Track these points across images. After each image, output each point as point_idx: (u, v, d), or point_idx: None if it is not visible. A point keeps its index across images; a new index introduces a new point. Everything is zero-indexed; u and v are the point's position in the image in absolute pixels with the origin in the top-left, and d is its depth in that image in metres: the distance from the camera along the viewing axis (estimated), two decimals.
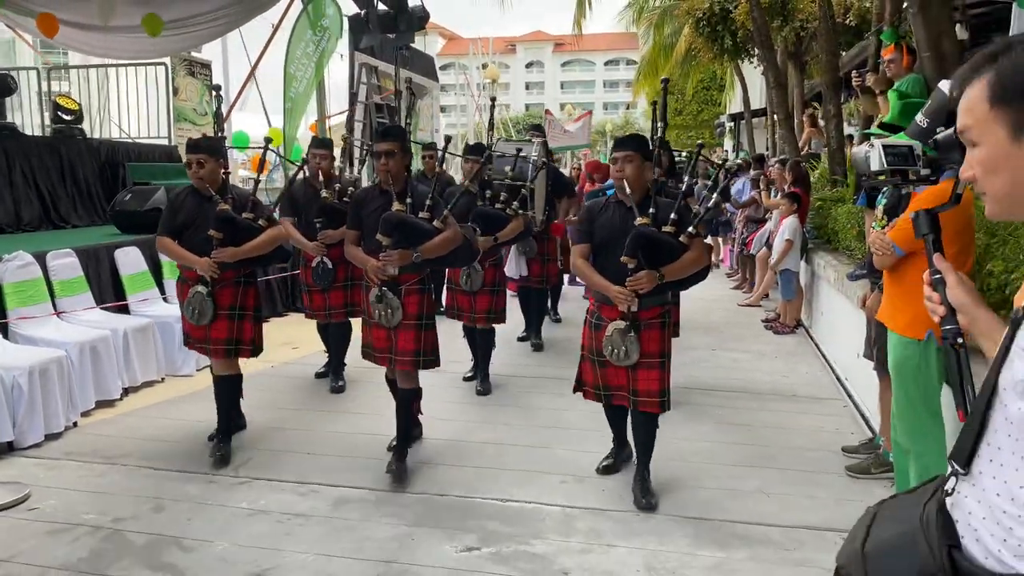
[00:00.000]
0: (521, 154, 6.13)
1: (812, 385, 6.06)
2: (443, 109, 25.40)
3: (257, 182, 4.96)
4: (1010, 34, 6.46)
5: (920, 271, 3.15)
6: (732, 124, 24.49)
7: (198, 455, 4.49)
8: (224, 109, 11.64)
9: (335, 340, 5.87)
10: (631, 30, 27.72)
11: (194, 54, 11.31)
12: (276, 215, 5.04)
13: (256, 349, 4.59)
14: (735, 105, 26.74)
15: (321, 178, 5.58)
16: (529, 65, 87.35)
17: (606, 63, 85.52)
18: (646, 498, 3.82)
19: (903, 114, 4.16)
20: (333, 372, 5.89)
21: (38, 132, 9.91)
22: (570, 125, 13.87)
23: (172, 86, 10.54)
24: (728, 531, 3.56)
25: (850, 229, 6.57)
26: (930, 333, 3.31)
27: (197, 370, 6.14)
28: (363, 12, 10.12)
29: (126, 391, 5.63)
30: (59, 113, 8.69)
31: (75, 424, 5.01)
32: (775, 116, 14.28)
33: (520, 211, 5.74)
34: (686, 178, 4.40)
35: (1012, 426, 1.25)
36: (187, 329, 4.57)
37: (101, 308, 5.78)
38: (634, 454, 4.08)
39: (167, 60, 10.50)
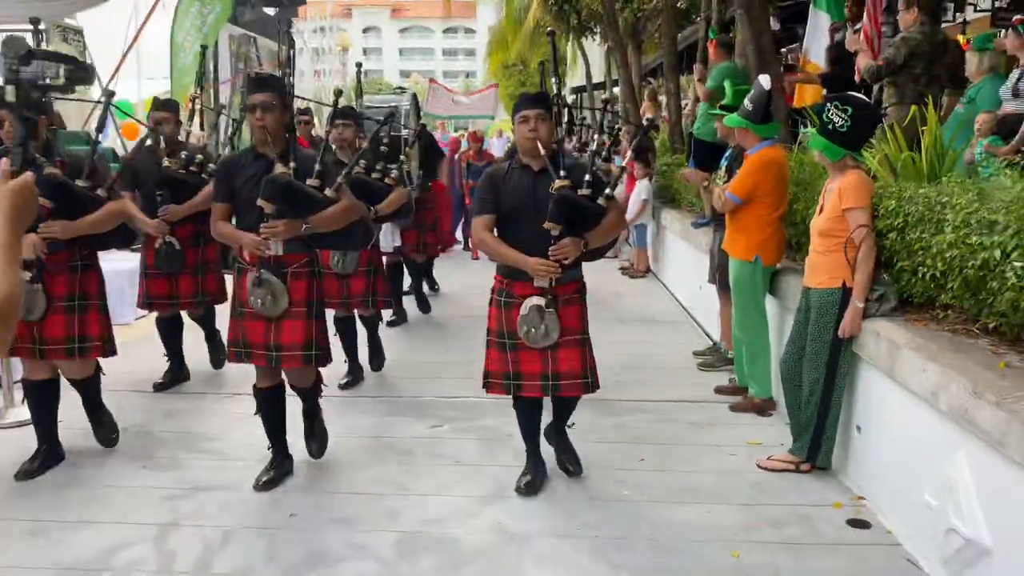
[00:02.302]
0: (395, 106, 6.52)
1: (665, 313, 7.52)
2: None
3: (96, 143, 4.19)
4: (806, 29, 8.14)
5: (750, 215, 4.54)
6: (575, 96, 26.07)
7: (186, 384, 5.20)
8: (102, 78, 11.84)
9: (203, 322, 5.35)
10: None
11: (67, 20, 11.38)
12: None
13: (108, 346, 3.92)
14: (576, 79, 28.40)
15: (163, 145, 4.82)
16: (366, 30, 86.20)
17: (444, 31, 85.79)
18: (575, 467, 3.80)
19: (734, 97, 5.48)
20: (210, 339, 5.41)
21: None
22: (465, 96, 14.78)
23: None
24: (621, 407, 4.82)
25: (690, 188, 8.06)
26: (757, 256, 4.69)
27: (135, 319, 6.75)
28: None
29: None
30: None
31: None
32: (622, 92, 15.72)
33: (400, 181, 5.37)
34: (596, 136, 4.16)
35: None
36: (17, 331, 4.03)
37: None
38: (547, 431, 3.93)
39: (39, 25, 10.58)
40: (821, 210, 3.84)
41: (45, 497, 3.48)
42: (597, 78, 24.65)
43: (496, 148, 20.31)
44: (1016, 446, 2.44)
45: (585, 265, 3.67)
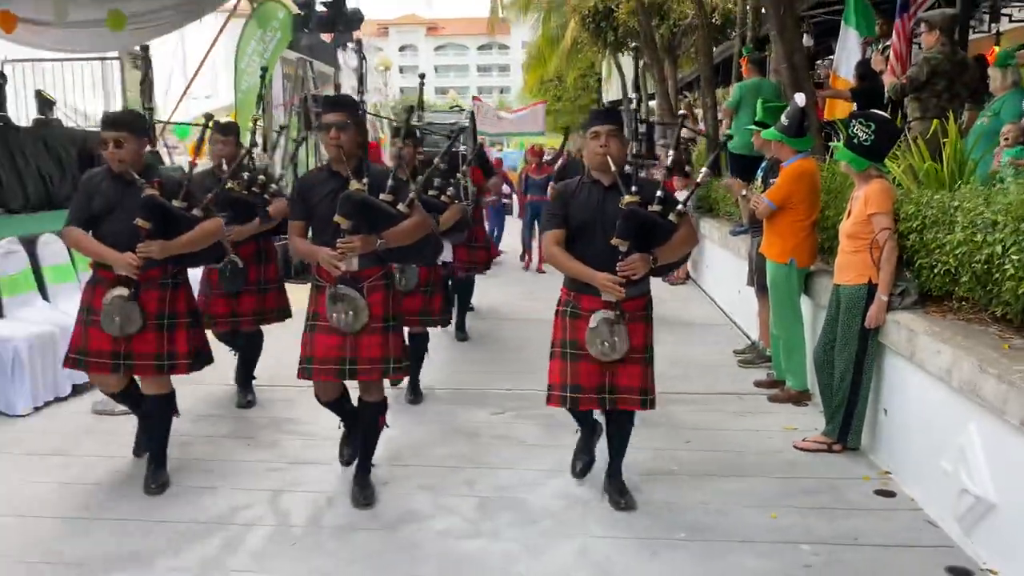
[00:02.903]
0: (455, 124, 6.46)
1: (705, 317, 7.95)
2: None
3: (193, 166, 4.35)
4: (836, 46, 8.54)
5: (785, 221, 4.99)
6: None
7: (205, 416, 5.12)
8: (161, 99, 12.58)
9: (248, 350, 5.24)
10: (500, 15, 28.28)
11: (136, 48, 12.14)
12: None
13: (196, 361, 3.94)
14: (612, 93, 28.88)
15: (225, 166, 4.88)
16: (403, 48, 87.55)
17: (479, 48, 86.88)
18: (624, 498, 3.68)
19: (765, 114, 5.91)
20: (241, 386, 5.21)
21: None
22: (510, 113, 15.28)
23: (123, 78, 11.41)
24: (666, 398, 5.25)
25: (728, 198, 8.49)
26: (792, 259, 5.12)
27: None
28: (303, 13, 11.32)
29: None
30: (42, 105, 9.50)
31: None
32: (659, 105, 16.15)
33: (456, 198, 5.42)
34: (671, 152, 4.12)
35: None
36: (91, 344, 3.75)
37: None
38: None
39: (118, 54, 11.35)
40: (849, 215, 4.28)
41: (172, 464, 4.00)
42: (633, 93, 25.02)
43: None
44: (1014, 413, 2.87)
45: None
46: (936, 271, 3.77)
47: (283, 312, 5.26)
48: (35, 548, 3.31)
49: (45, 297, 5.76)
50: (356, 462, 3.84)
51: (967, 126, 5.53)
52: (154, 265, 3.71)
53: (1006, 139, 5.21)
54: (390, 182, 3.58)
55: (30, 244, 5.80)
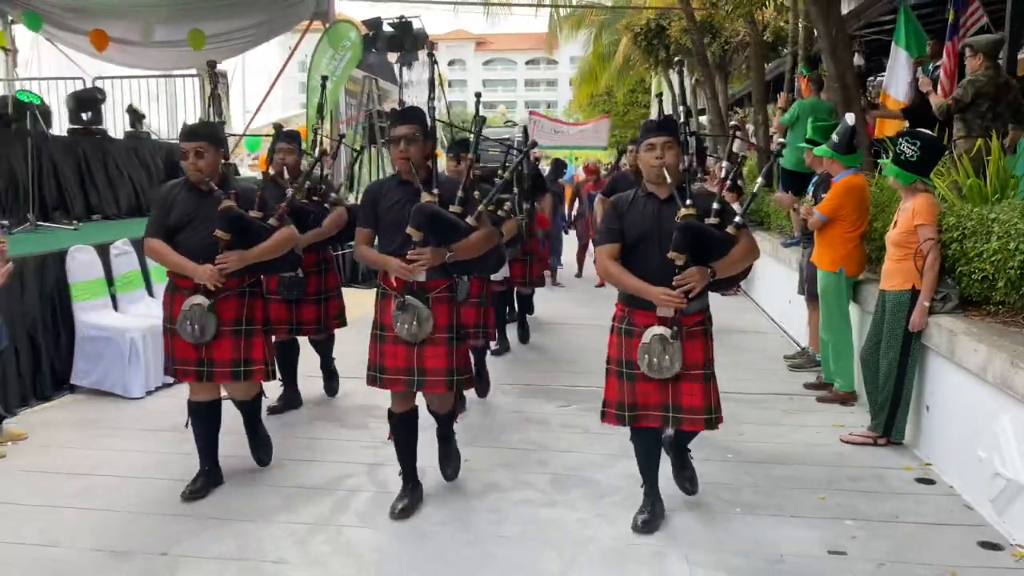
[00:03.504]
0: (507, 141, 6.06)
1: (756, 325, 8.30)
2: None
3: (266, 177, 4.53)
4: (887, 65, 8.83)
5: (835, 232, 5.35)
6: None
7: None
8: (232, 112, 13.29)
9: (319, 348, 5.45)
10: (560, 35, 28.69)
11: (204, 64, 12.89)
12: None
13: (271, 370, 4.01)
14: (664, 109, 29.13)
15: (287, 175, 4.99)
16: (451, 63, 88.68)
17: (527, 62, 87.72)
18: (691, 481, 3.90)
19: (815, 132, 6.26)
20: (327, 373, 5.55)
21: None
22: (569, 127, 15.61)
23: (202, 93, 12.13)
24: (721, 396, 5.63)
25: (780, 212, 8.82)
26: (841, 268, 5.47)
27: None
28: (372, 32, 11.92)
29: None
30: (133, 119, 10.23)
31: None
32: (710, 121, 16.47)
33: (512, 213, 5.42)
34: (725, 163, 3.99)
35: None
36: (177, 352, 3.87)
37: None
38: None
39: (196, 71, 12.08)
40: (895, 225, 4.63)
41: (276, 441, 4.49)
42: (680, 106, 25.33)
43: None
44: None
45: None
46: (974, 278, 4.12)
47: (341, 319, 5.35)
48: (162, 504, 3.82)
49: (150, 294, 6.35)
50: (439, 449, 4.05)
51: (1011, 144, 5.82)
52: (232, 274, 3.76)
53: None
54: (459, 194, 3.61)
55: (102, 251, 6.08)
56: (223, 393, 4.06)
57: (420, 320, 3.54)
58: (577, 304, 9.41)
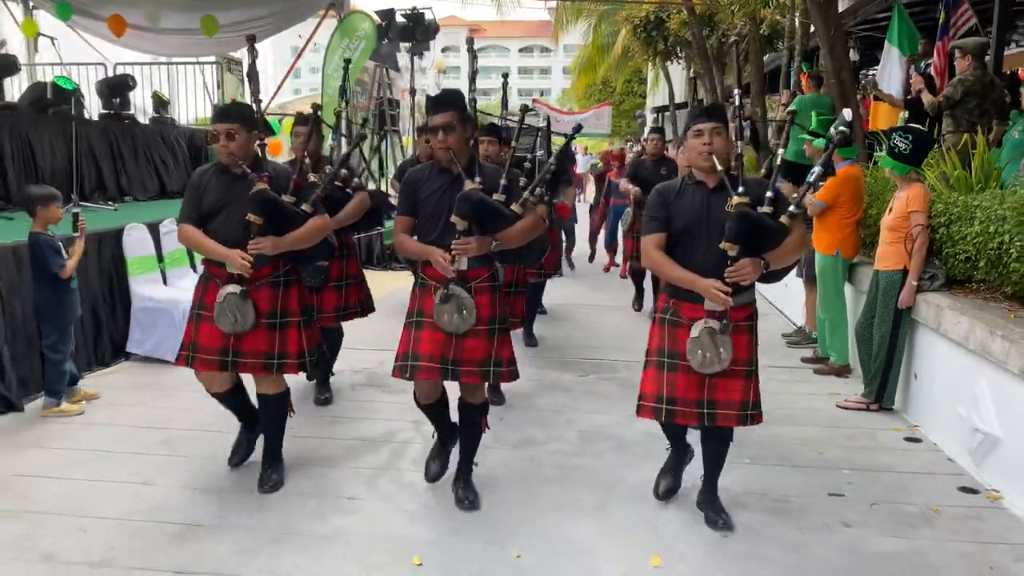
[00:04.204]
0: (540, 124, 6.19)
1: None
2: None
3: (299, 162, 4.34)
4: (880, 61, 9.30)
5: (833, 218, 5.85)
6: (656, 115, 27.36)
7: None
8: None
9: (328, 347, 5.17)
10: (565, 26, 29.11)
11: (229, 53, 13.25)
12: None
13: (305, 362, 3.81)
14: (659, 98, 29.68)
15: (308, 161, 4.70)
16: (445, 50, 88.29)
17: (520, 50, 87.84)
18: (721, 517, 3.54)
19: (819, 125, 6.74)
20: (320, 383, 5.28)
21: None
22: (571, 115, 16.00)
23: (218, 80, 12.52)
24: None
25: None
26: (838, 251, 5.96)
27: None
28: (385, 23, 12.32)
29: None
30: (157, 105, 10.62)
31: None
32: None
33: (541, 199, 5.08)
34: (781, 151, 3.78)
35: None
36: (202, 339, 3.72)
37: None
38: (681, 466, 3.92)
39: (216, 58, 12.47)
40: (890, 211, 5.12)
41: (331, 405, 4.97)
42: (679, 99, 25.95)
43: (580, 166, 21.54)
44: (1015, 364, 3.71)
45: None
46: (959, 258, 4.62)
47: (365, 306, 5.23)
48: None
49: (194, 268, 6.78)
50: (458, 464, 3.79)
51: (995, 139, 6.32)
52: (265, 263, 3.63)
53: None
54: (503, 182, 3.52)
55: (153, 229, 6.59)
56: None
57: (465, 310, 3.44)
58: (588, 288, 9.86)
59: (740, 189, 3.22)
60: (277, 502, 3.74)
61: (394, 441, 4.47)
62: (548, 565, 3.24)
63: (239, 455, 4.13)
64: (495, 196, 3.47)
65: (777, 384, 5.79)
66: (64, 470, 4.04)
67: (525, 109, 4.68)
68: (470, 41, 5.73)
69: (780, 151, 3.54)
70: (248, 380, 4.05)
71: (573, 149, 13.15)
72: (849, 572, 3.21)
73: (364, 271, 5.39)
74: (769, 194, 3.26)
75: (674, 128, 25.29)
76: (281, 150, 12.64)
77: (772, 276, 3.37)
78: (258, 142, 3.77)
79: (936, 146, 5.96)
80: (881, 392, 5.11)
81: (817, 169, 3.54)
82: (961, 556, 3.33)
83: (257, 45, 4.91)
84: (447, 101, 3.52)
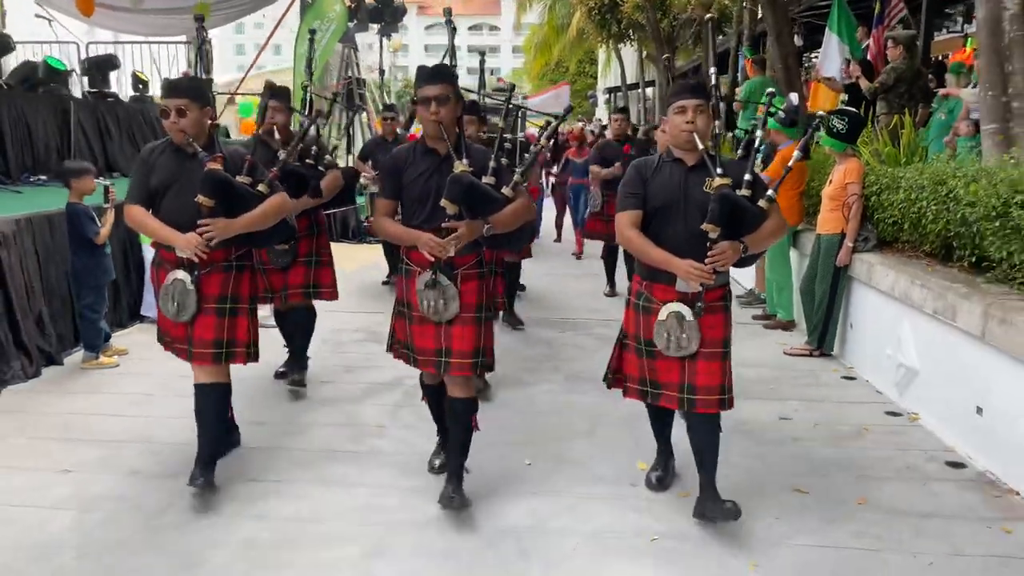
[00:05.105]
0: (513, 104, 6.45)
1: None
2: None
3: (257, 136, 4.36)
4: (821, 47, 10.11)
5: (780, 190, 6.56)
6: (608, 95, 28.12)
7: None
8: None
9: (299, 328, 5.09)
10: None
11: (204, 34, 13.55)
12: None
13: (252, 352, 3.67)
14: (610, 79, 30.41)
15: (278, 136, 4.72)
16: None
17: (469, 28, 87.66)
18: (722, 511, 3.30)
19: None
20: (294, 367, 5.08)
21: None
22: (530, 96, 16.54)
23: (189, 60, 12.82)
24: None
25: None
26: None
27: None
28: (353, 5, 12.77)
29: None
30: (136, 84, 10.95)
31: None
32: (656, 92, 17.68)
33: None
34: (759, 132, 3.48)
35: None
36: (163, 325, 3.64)
37: None
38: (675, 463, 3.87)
39: (187, 37, 12.75)
40: (830, 183, 5.88)
41: (337, 357, 5.54)
42: (631, 79, 26.71)
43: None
44: (930, 307, 4.49)
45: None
46: (888, 223, 5.40)
47: (333, 291, 5.10)
48: (277, 395, 4.87)
49: None
50: (448, 469, 3.56)
51: (921, 120, 7.15)
52: (218, 247, 3.43)
53: (957, 133, 6.85)
54: (491, 163, 3.38)
55: None
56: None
57: (447, 300, 3.34)
58: (557, 262, 10.47)
59: (720, 171, 3.17)
60: (317, 430, 4.38)
61: (405, 384, 5.08)
62: (553, 469, 3.94)
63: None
64: (484, 179, 3.34)
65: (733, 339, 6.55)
66: (119, 410, 4.61)
67: (512, 88, 4.59)
68: (448, 12, 5.90)
69: (758, 132, 3.43)
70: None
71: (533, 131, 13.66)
72: (799, 472, 3.96)
73: (341, 243, 5.69)
74: (748, 177, 3.22)
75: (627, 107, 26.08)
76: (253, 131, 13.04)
77: (746, 260, 3.32)
78: (210, 120, 3.56)
79: (871, 126, 6.74)
80: (822, 340, 5.89)
81: (797, 154, 3.74)
82: (886, 459, 4.12)
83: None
84: (442, 73, 3.40)
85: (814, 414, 4.75)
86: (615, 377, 3.59)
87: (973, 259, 4.56)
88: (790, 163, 3.59)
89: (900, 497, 3.69)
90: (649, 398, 3.43)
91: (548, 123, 4.54)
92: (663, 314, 3.25)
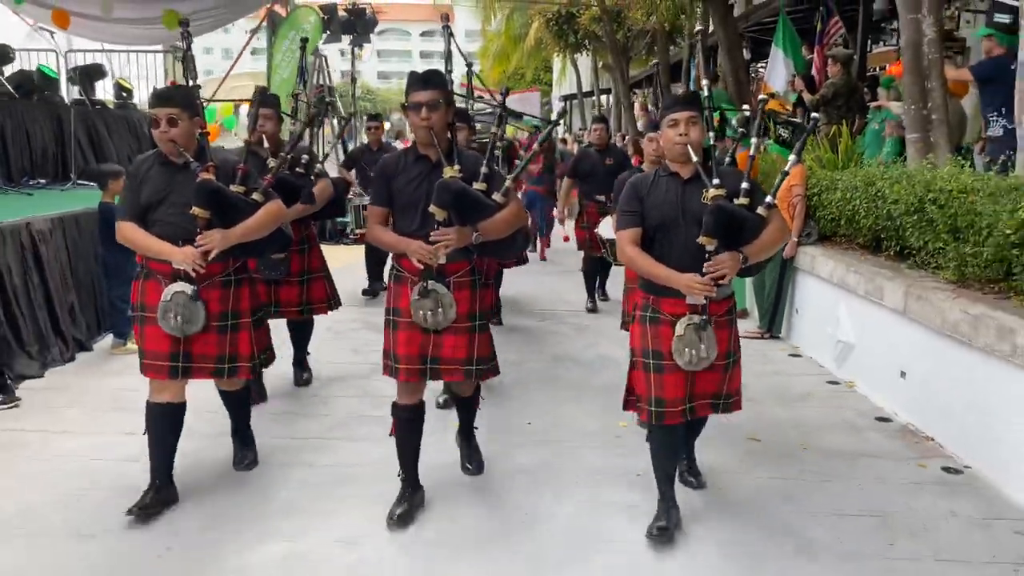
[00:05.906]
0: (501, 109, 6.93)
1: None
2: None
3: (248, 146, 4.37)
4: (768, 61, 10.99)
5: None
6: (564, 103, 28.95)
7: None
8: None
9: (296, 335, 5.25)
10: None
11: (177, 43, 13.96)
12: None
13: (257, 364, 3.69)
14: (565, 87, 31.27)
15: (267, 144, 4.67)
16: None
17: (422, 34, 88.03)
18: (696, 478, 3.83)
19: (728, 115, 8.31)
20: (298, 363, 5.32)
21: None
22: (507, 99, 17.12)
23: (165, 69, 13.25)
24: None
25: None
26: None
27: None
28: (326, 17, 13.31)
29: None
30: (119, 92, 11.36)
31: None
32: (620, 102, 18.50)
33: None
34: (754, 140, 3.54)
35: None
36: (148, 344, 3.44)
37: None
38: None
39: (162, 47, 13.19)
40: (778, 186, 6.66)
41: (330, 341, 6.16)
42: (586, 87, 27.57)
43: None
44: (863, 289, 5.28)
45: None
46: (827, 219, 6.21)
47: (332, 302, 5.14)
48: (285, 380, 5.46)
49: None
50: (460, 427, 3.99)
51: (858, 128, 8.02)
52: (215, 260, 3.37)
53: (889, 134, 7.73)
54: (483, 169, 3.35)
55: None
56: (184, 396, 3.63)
57: (443, 307, 3.31)
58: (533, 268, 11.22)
59: (715, 181, 3.15)
60: (339, 401, 5.00)
61: None
62: (551, 425, 4.68)
63: (144, 502, 3.52)
64: (475, 184, 3.31)
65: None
66: None
67: (507, 93, 4.41)
68: (445, 19, 5.44)
69: (753, 140, 3.49)
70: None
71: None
72: (755, 428, 4.70)
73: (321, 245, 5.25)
74: (745, 185, 3.20)
75: (581, 115, 26.88)
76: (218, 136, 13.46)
77: (751, 269, 3.34)
78: (199, 130, 3.47)
79: (813, 135, 7.57)
80: (771, 324, 6.68)
81: (793, 158, 3.76)
82: (828, 417, 4.91)
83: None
84: (434, 79, 3.36)
85: (765, 383, 5.52)
86: (639, 406, 3.41)
87: (898, 248, 5.37)
88: (787, 167, 3.69)
89: (837, 443, 4.47)
90: (654, 418, 3.29)
91: (537, 128, 4.97)
92: (680, 329, 3.19)
